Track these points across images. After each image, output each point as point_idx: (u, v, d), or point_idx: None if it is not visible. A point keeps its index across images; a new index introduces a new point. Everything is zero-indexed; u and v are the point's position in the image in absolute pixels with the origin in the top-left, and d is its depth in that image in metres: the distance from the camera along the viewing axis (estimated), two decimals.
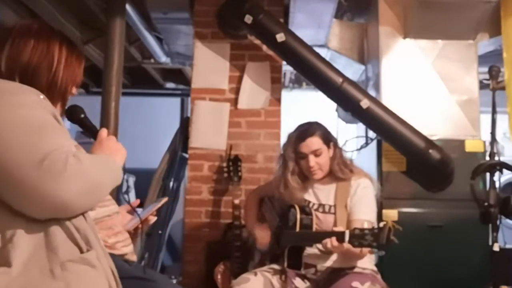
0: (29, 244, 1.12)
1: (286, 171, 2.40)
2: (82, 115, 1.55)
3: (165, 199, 1.95)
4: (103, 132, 1.49)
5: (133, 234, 1.71)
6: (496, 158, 2.55)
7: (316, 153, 2.35)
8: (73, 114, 1.52)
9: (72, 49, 1.45)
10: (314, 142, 2.36)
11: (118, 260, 1.44)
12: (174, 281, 3.67)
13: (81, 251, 1.18)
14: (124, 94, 3.43)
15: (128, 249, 1.57)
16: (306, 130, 2.40)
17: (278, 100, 3.69)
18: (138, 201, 1.86)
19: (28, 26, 1.42)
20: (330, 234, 2.04)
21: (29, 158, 1.10)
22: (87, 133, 1.54)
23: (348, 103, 3.29)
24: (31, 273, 1.10)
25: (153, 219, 1.73)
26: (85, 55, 1.59)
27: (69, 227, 1.18)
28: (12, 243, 1.10)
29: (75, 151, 1.18)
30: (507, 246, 3.82)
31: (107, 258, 1.24)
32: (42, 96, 1.29)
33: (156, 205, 1.79)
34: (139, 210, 1.81)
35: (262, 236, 2.51)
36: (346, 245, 1.92)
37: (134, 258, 1.62)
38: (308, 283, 2.30)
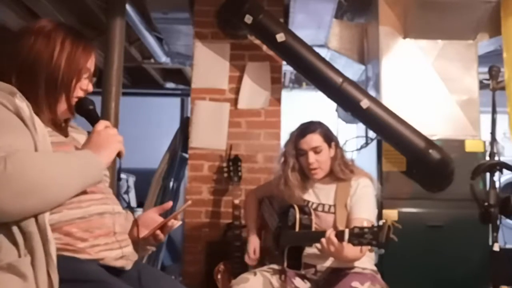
0: None
1: (286, 167, 2.41)
2: (91, 107, 1.50)
3: (188, 203, 1.88)
4: (98, 125, 1.44)
5: (152, 239, 1.59)
6: (496, 158, 2.55)
7: (316, 150, 2.35)
8: (81, 105, 1.48)
9: (78, 42, 1.44)
10: (314, 139, 2.36)
11: (86, 264, 1.34)
12: None
13: (19, 257, 1.15)
14: (124, 94, 3.43)
15: (111, 253, 1.41)
16: (307, 127, 2.42)
17: (278, 100, 3.69)
18: (171, 203, 1.72)
19: (32, 25, 1.42)
20: None
21: None
22: (93, 125, 1.48)
23: (348, 103, 3.29)
24: None
25: (177, 223, 1.59)
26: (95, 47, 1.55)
27: (13, 231, 1.15)
28: None
29: (9, 154, 1.14)
30: (507, 246, 3.82)
31: (50, 266, 1.19)
32: (18, 95, 1.26)
33: (179, 209, 1.65)
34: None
35: (251, 251, 2.51)
36: (345, 243, 1.91)
37: (119, 263, 1.43)
38: (308, 283, 2.30)
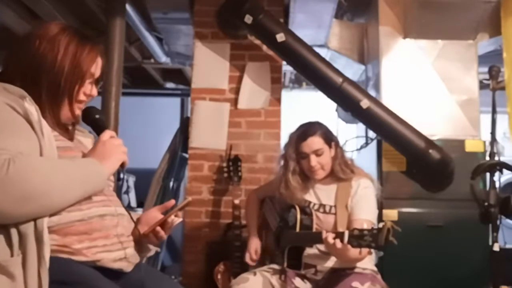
0: None
1: (287, 171, 2.39)
2: (97, 116, 1.50)
3: (188, 199, 1.87)
4: (103, 135, 1.44)
5: (152, 236, 1.57)
6: (496, 158, 2.55)
7: (318, 153, 2.35)
8: (88, 115, 1.48)
9: (83, 46, 1.42)
10: (316, 142, 2.35)
11: (79, 266, 1.32)
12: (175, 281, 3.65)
13: (12, 257, 1.16)
14: (124, 94, 3.43)
15: (109, 255, 1.39)
16: (307, 129, 2.39)
17: (278, 100, 3.69)
18: (173, 201, 1.70)
19: (38, 28, 1.41)
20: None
21: None
22: (98, 134, 1.48)
23: (348, 103, 3.29)
24: None
25: (177, 220, 1.57)
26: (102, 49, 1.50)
27: (11, 232, 1.16)
28: None
29: (13, 157, 1.14)
30: (507, 246, 3.82)
31: (42, 267, 1.19)
32: (27, 98, 1.26)
33: (179, 206, 1.62)
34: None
35: (253, 251, 2.50)
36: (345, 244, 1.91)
37: (118, 265, 1.41)
38: (308, 283, 2.30)
